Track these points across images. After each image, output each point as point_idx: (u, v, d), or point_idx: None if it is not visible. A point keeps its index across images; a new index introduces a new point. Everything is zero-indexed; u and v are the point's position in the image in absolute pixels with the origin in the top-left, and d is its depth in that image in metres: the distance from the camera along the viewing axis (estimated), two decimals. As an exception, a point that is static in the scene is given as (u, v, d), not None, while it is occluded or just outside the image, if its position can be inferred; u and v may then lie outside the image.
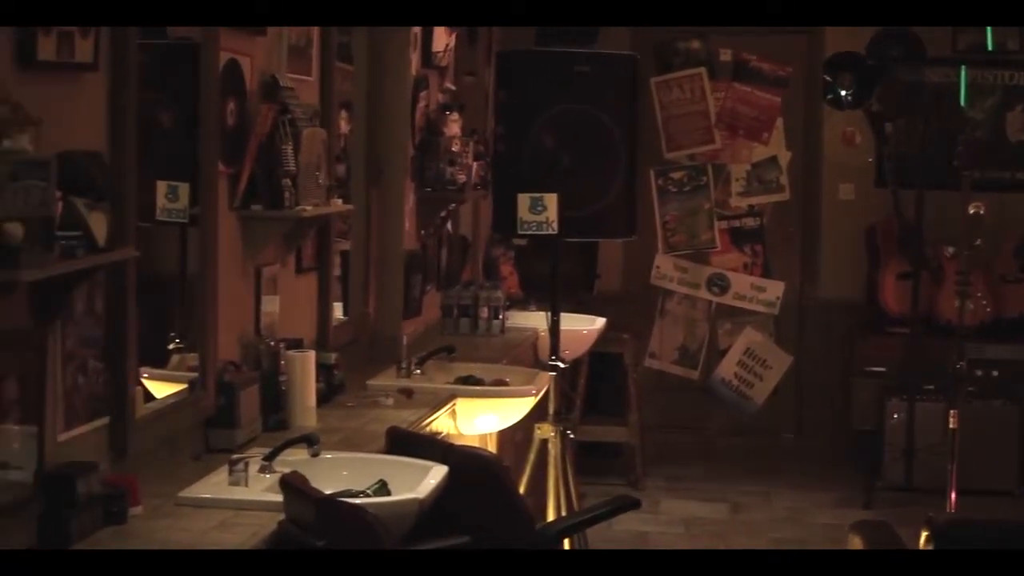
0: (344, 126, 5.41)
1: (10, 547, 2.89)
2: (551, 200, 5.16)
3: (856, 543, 3.98)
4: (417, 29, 6.09)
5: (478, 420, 5.26)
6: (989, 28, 8.34)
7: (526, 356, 6.43)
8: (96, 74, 3.34)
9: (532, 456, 5.47)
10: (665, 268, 8.40)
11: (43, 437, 3.09)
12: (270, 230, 4.47)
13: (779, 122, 8.33)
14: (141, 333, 3.58)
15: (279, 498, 3.39)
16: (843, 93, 8.51)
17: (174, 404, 3.89)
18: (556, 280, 5.52)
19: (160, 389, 3.85)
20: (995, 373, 7.84)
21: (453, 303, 6.64)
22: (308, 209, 4.45)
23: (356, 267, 5.68)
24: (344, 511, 3.29)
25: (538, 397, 5.33)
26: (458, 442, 4.92)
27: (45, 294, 3.07)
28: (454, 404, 5.07)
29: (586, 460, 7.26)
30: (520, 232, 5.27)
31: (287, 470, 3.57)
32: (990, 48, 8.40)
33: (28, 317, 3.06)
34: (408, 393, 5.00)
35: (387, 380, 5.22)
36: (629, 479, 7.94)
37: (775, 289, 8.41)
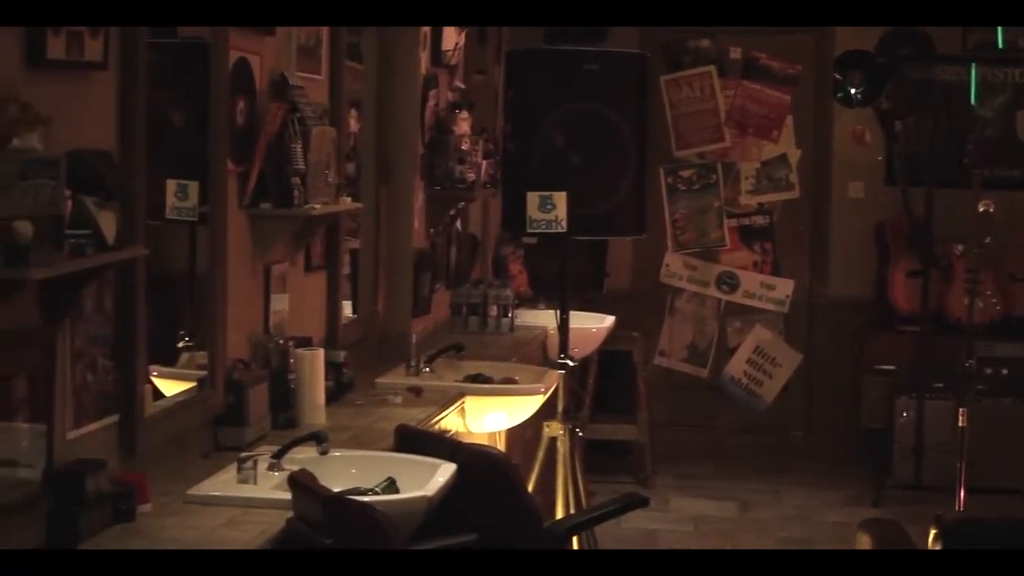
0: (354, 125, 5.42)
1: (20, 544, 2.90)
2: (560, 198, 5.16)
3: (865, 541, 3.98)
4: (427, 28, 6.10)
5: (487, 418, 5.26)
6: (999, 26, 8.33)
7: (535, 354, 6.43)
8: (106, 73, 3.35)
9: (541, 454, 5.47)
10: (674, 266, 8.41)
11: (52, 435, 3.10)
12: (279, 228, 4.47)
13: (789, 120, 8.34)
14: (150, 331, 3.59)
15: (288, 496, 3.40)
16: (853, 91, 8.49)
17: (183, 402, 3.89)
18: (565, 278, 5.52)
19: (169, 387, 3.86)
20: (1004, 371, 7.83)
21: (462, 301, 6.64)
22: (317, 207, 4.46)
23: (365, 265, 5.68)
24: (352, 509, 3.30)
25: (547, 395, 5.34)
26: (467, 440, 4.92)
27: (54, 292, 3.08)
28: (463, 402, 5.07)
29: (595, 458, 7.26)
30: (529, 230, 5.27)
31: (296, 468, 3.58)
32: (1000, 46, 8.38)
33: (37, 315, 3.07)
34: (417, 391, 5.01)
35: (396, 378, 5.23)
36: (638, 477, 7.93)
37: (784, 287, 8.41)
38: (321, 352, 4.56)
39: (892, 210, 8.31)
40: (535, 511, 4.15)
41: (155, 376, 3.75)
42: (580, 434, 5.67)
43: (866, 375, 8.21)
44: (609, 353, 7.66)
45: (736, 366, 8.44)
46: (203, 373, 3.99)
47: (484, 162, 6.49)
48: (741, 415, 8.56)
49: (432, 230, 6.35)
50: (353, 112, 5.39)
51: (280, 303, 4.61)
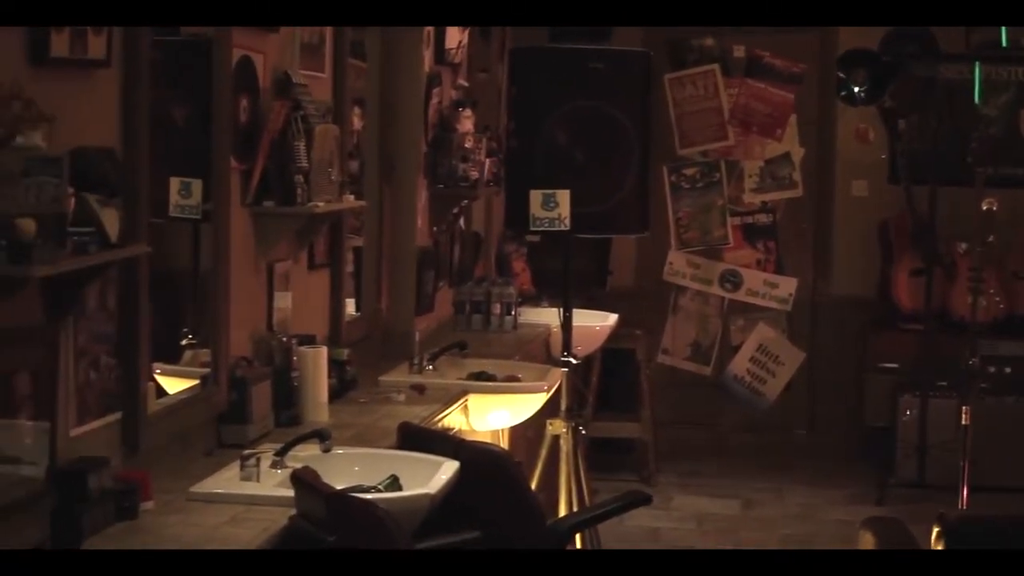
0: (357, 122, 5.42)
1: (23, 542, 2.90)
2: (564, 196, 5.15)
3: (868, 540, 3.97)
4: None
5: (490, 416, 5.26)
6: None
7: (538, 352, 6.44)
8: (109, 71, 3.35)
9: (544, 452, 5.47)
10: (678, 264, 8.41)
11: (55, 432, 3.10)
12: (282, 226, 4.48)
13: (792, 118, 8.33)
14: (153, 329, 3.59)
15: (291, 493, 3.40)
16: (856, 89, 8.47)
17: (186, 400, 3.90)
18: (568, 276, 5.51)
19: (172, 385, 3.86)
20: (1008, 369, 7.83)
21: (465, 299, 6.64)
22: (320, 205, 4.46)
23: (369, 263, 5.68)
24: (355, 506, 3.30)
25: (550, 393, 5.33)
26: (470, 438, 4.93)
27: (57, 290, 3.08)
28: (466, 400, 5.07)
29: (598, 456, 7.26)
30: (532, 228, 5.27)
31: (299, 465, 3.58)
32: (1004, 44, 8.37)
33: (40, 313, 3.07)
34: (420, 389, 5.01)
35: (399, 376, 5.23)
36: (641, 475, 7.93)
37: (788, 285, 8.41)
38: (324, 350, 4.57)
39: (895, 208, 8.30)
40: (538, 509, 4.15)
41: (158, 374, 3.75)
42: (583, 432, 5.67)
43: (869, 373, 8.21)
44: (612, 351, 7.67)
45: (739, 364, 8.44)
46: (206, 371, 3.99)
47: (487, 160, 6.49)
48: (744, 413, 8.55)
49: (435, 228, 6.35)
50: (356, 110, 5.38)
51: (283, 301, 4.61)
